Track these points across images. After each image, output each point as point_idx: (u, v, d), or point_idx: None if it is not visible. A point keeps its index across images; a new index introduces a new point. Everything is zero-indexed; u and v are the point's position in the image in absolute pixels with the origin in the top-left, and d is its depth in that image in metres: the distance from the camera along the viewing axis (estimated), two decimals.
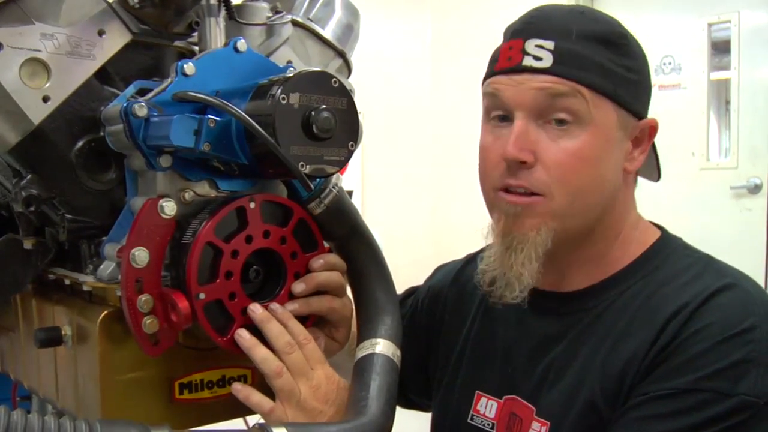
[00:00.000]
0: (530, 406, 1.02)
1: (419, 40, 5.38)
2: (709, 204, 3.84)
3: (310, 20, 1.14)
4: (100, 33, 0.94)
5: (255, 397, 0.94)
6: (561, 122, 0.95)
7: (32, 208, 0.96)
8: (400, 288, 1.21)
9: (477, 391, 1.11)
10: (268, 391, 0.94)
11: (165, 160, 0.90)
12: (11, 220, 1.08)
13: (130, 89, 0.95)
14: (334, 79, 0.91)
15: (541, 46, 0.95)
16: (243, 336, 0.92)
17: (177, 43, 1.05)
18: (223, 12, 1.03)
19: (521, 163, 0.96)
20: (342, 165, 0.93)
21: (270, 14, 1.10)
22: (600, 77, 0.95)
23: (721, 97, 4.01)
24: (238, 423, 1.04)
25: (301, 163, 0.88)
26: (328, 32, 1.15)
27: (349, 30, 1.19)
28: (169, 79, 0.92)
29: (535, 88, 0.95)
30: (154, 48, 1.03)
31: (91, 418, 0.75)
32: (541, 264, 0.98)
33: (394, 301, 1.06)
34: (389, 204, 5.13)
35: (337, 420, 0.93)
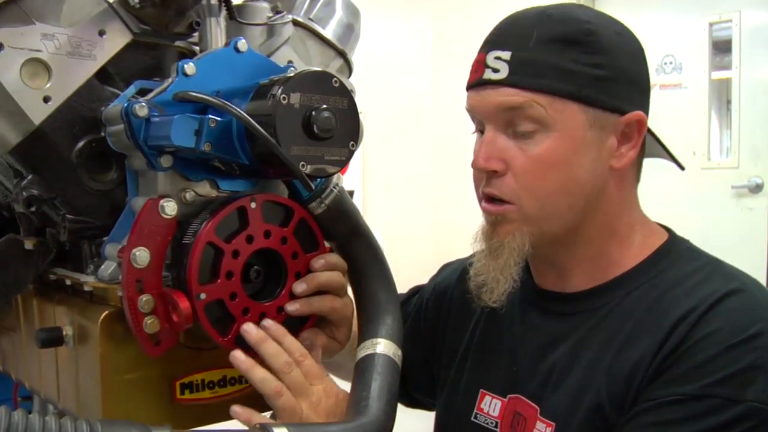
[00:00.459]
0: (534, 405, 1.02)
1: (420, 39, 5.38)
2: (710, 203, 3.84)
3: (311, 20, 1.14)
4: (101, 33, 0.94)
5: (256, 418, 0.93)
6: (526, 131, 0.96)
7: (33, 209, 0.96)
8: (402, 288, 1.21)
9: (481, 390, 1.11)
10: None
11: (166, 160, 0.90)
12: (12, 221, 1.08)
13: (131, 89, 0.95)
14: (335, 78, 0.91)
15: (499, 58, 0.96)
16: (239, 358, 0.92)
17: (178, 43, 1.05)
18: (223, 12, 1.03)
19: (493, 172, 0.98)
20: (343, 165, 0.93)
21: (271, 14, 1.10)
22: (559, 81, 0.94)
23: (722, 96, 4.01)
24: (239, 423, 1.04)
25: (302, 163, 0.88)
26: (328, 32, 1.15)
27: (350, 30, 1.19)
28: (170, 79, 0.92)
29: (495, 103, 0.97)
30: (155, 48, 1.03)
31: (92, 418, 0.75)
32: (522, 267, 1.00)
33: (395, 300, 1.06)
34: (390, 204, 5.13)
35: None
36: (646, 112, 1.00)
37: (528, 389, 1.04)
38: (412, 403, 1.32)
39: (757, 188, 3.73)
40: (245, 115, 0.85)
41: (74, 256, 1.04)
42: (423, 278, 1.37)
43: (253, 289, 0.96)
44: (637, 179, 1.05)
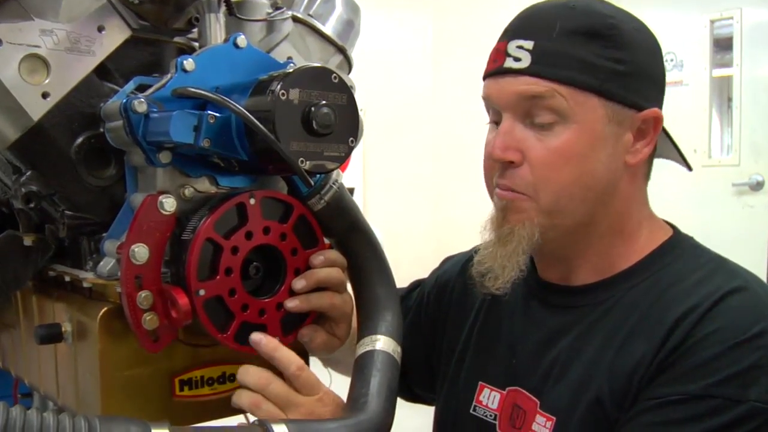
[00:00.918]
0: (534, 398, 1.02)
1: (420, 36, 5.38)
2: (711, 201, 3.84)
3: (311, 16, 1.14)
4: (100, 29, 0.94)
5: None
6: (545, 122, 0.96)
7: (32, 205, 0.96)
8: (401, 284, 1.21)
9: (480, 382, 1.11)
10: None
11: (165, 157, 0.90)
12: (11, 217, 1.08)
13: (130, 85, 0.95)
14: (335, 74, 0.91)
15: (521, 47, 0.96)
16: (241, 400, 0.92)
17: (177, 39, 1.05)
18: (223, 8, 1.03)
19: (509, 163, 0.98)
20: (342, 161, 0.93)
21: (270, 10, 1.10)
22: (582, 73, 0.94)
23: (723, 94, 4.02)
24: (238, 420, 1.04)
25: (301, 159, 0.88)
26: (328, 28, 1.15)
27: (350, 26, 1.19)
28: (169, 75, 0.92)
29: (515, 92, 0.96)
30: (154, 44, 1.03)
31: (91, 414, 0.75)
32: (528, 258, 1.00)
33: (394, 297, 1.06)
34: (391, 200, 5.14)
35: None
36: (661, 109, 1.01)
37: (528, 382, 1.04)
38: (413, 398, 1.32)
39: (757, 186, 3.73)
40: (244, 111, 0.85)
41: (73, 253, 1.04)
42: (423, 274, 1.37)
43: (253, 286, 0.96)
44: (648, 176, 1.05)
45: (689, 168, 1.13)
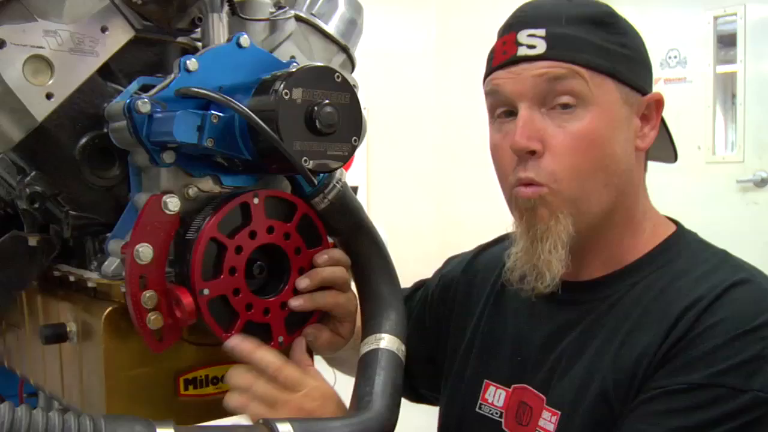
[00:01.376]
0: (541, 395, 1.02)
1: (424, 34, 5.38)
2: (715, 198, 3.84)
3: (314, 15, 1.14)
4: (103, 29, 0.94)
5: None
6: (565, 106, 0.96)
7: (36, 205, 0.96)
8: (406, 283, 1.21)
9: (485, 380, 1.11)
10: None
11: (168, 156, 0.90)
12: (16, 217, 1.08)
13: (133, 85, 0.95)
14: (338, 74, 0.91)
15: (533, 35, 0.96)
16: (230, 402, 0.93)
17: (180, 39, 1.05)
18: (225, 8, 1.03)
19: (530, 153, 0.96)
20: (345, 160, 0.93)
21: (273, 9, 1.10)
22: (596, 56, 0.95)
23: (727, 90, 4.01)
24: (242, 419, 1.04)
25: (305, 158, 0.88)
26: (331, 27, 1.15)
27: (353, 25, 1.19)
28: (172, 75, 0.92)
29: (534, 75, 0.95)
30: (157, 44, 1.03)
31: (96, 414, 0.75)
32: (568, 251, 0.98)
33: (398, 296, 1.06)
34: (395, 199, 5.14)
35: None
36: None
37: (535, 379, 1.04)
38: (417, 398, 1.32)
39: (762, 182, 3.72)
40: (248, 110, 0.85)
41: (78, 253, 1.04)
42: (427, 273, 1.37)
43: (257, 285, 0.96)
44: (645, 167, 1.07)
45: (675, 158, 1.13)
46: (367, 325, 1.02)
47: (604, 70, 0.96)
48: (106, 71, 0.96)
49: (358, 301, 1.07)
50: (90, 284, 0.97)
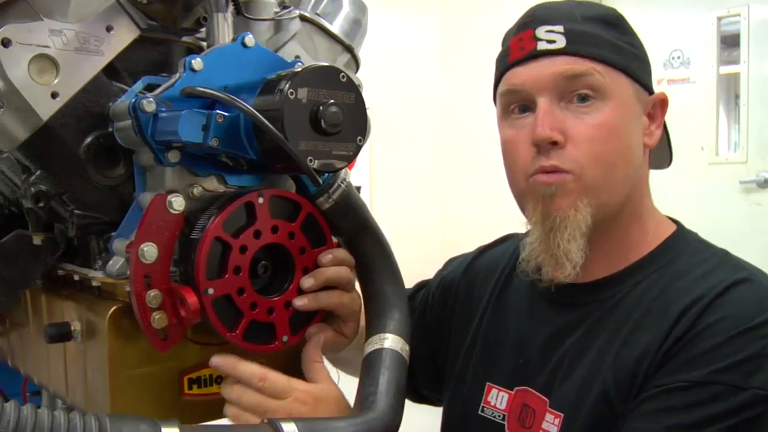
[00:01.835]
0: (543, 397, 1.02)
1: (427, 34, 5.38)
2: (718, 199, 3.83)
3: (318, 15, 1.14)
4: (108, 29, 0.94)
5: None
6: (584, 98, 0.97)
7: (41, 204, 0.96)
8: (409, 282, 1.21)
9: (488, 383, 1.11)
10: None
11: (173, 156, 0.91)
12: (21, 216, 1.08)
13: (139, 85, 0.95)
14: (342, 73, 0.91)
15: (551, 31, 0.98)
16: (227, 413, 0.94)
17: (185, 38, 1.05)
18: (230, 7, 1.03)
19: (552, 144, 0.97)
20: (350, 160, 0.93)
21: (278, 9, 1.10)
22: (612, 53, 0.98)
23: (730, 91, 4.01)
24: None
25: (310, 158, 0.88)
26: (335, 27, 1.15)
27: (357, 25, 1.19)
28: (177, 75, 0.92)
29: (554, 72, 0.97)
30: (162, 44, 1.03)
31: (100, 413, 0.75)
32: (587, 241, 0.97)
33: (402, 295, 1.06)
34: (397, 199, 5.14)
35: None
36: None
37: (537, 381, 1.04)
38: (419, 399, 1.32)
39: (765, 183, 3.71)
40: (253, 110, 0.85)
41: (82, 252, 1.04)
42: (430, 273, 1.37)
43: (261, 284, 0.96)
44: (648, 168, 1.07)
45: (670, 162, 1.13)
46: (371, 324, 1.02)
47: (619, 66, 0.98)
48: (111, 70, 0.96)
49: (362, 301, 1.07)
50: (94, 283, 0.97)
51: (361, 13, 1.20)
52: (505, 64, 1.03)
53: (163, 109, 0.88)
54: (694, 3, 3.94)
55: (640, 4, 3.90)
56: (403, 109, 5.09)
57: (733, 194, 3.81)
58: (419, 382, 1.27)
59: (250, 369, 0.93)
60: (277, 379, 0.94)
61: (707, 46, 3.87)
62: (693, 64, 3.92)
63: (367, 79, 1.15)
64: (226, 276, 0.90)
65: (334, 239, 1.03)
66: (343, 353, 1.10)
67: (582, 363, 0.99)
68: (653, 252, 1.02)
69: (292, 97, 0.86)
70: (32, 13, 0.88)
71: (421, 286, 1.35)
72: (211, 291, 0.89)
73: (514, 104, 1.02)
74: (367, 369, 0.97)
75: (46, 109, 0.89)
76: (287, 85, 0.86)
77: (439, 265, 1.37)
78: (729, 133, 4.04)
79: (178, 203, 0.89)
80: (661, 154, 1.12)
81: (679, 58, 3.95)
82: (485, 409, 1.10)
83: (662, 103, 1.04)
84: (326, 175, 0.99)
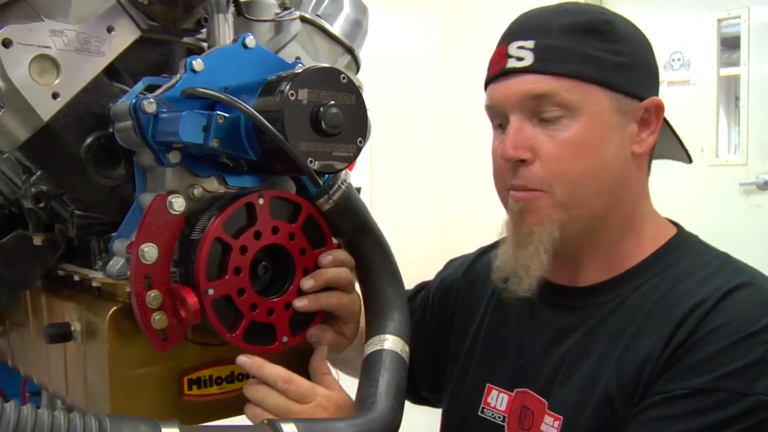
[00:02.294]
0: (542, 399, 1.02)
1: (428, 36, 5.37)
2: (719, 201, 3.82)
3: (319, 16, 1.14)
4: (109, 29, 0.94)
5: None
6: (553, 117, 0.97)
7: (42, 205, 0.96)
8: (409, 283, 1.21)
9: (488, 384, 1.11)
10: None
11: (174, 156, 0.91)
12: (21, 217, 1.08)
13: (139, 86, 0.95)
14: (343, 75, 0.91)
15: (522, 47, 0.98)
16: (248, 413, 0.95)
17: (186, 39, 1.05)
18: (231, 8, 1.03)
19: (521, 162, 0.98)
20: (351, 161, 0.93)
21: (278, 10, 1.10)
22: (584, 66, 0.96)
23: (730, 93, 4.00)
24: (246, 419, 1.04)
25: (310, 159, 0.88)
26: (336, 28, 1.15)
27: (358, 26, 1.19)
28: (178, 76, 0.92)
29: (520, 91, 0.97)
30: (163, 44, 1.03)
31: (100, 413, 0.75)
32: (551, 255, 0.99)
33: (402, 296, 1.06)
34: (398, 200, 5.13)
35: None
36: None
37: (536, 383, 1.04)
38: (419, 400, 1.32)
39: (765, 185, 3.71)
40: (253, 111, 0.85)
41: (83, 252, 1.04)
42: (430, 274, 1.37)
43: (261, 285, 0.96)
44: (649, 171, 1.06)
45: (689, 160, 1.13)
46: (372, 325, 1.02)
47: (591, 78, 0.96)
48: (111, 71, 0.96)
49: (362, 302, 1.07)
50: (95, 284, 0.97)
51: (362, 14, 1.20)
52: (486, 78, 1.04)
53: (164, 109, 0.89)
54: (695, 5, 3.93)
55: (640, 5, 3.90)
56: (404, 111, 5.08)
57: (733, 196, 3.80)
58: (419, 383, 1.27)
59: (276, 371, 0.94)
60: (302, 383, 0.94)
61: (707, 48, 3.86)
62: (693, 66, 3.92)
63: (367, 80, 1.15)
64: (227, 277, 0.91)
65: (335, 240, 1.03)
66: (343, 354, 1.10)
67: (582, 366, 0.99)
68: (653, 256, 1.02)
69: (292, 98, 0.86)
70: (33, 14, 0.88)
71: (422, 287, 1.35)
72: (211, 292, 0.89)
73: (494, 118, 1.04)
74: (366, 370, 0.97)
75: (47, 110, 0.89)
76: (288, 86, 0.86)
77: (440, 266, 1.36)
78: (729, 135, 4.03)
79: (178, 204, 0.89)
80: (676, 154, 1.12)
81: (679, 60, 3.94)
82: (485, 410, 1.10)
83: (657, 108, 1.01)
84: (326, 176, 0.99)
